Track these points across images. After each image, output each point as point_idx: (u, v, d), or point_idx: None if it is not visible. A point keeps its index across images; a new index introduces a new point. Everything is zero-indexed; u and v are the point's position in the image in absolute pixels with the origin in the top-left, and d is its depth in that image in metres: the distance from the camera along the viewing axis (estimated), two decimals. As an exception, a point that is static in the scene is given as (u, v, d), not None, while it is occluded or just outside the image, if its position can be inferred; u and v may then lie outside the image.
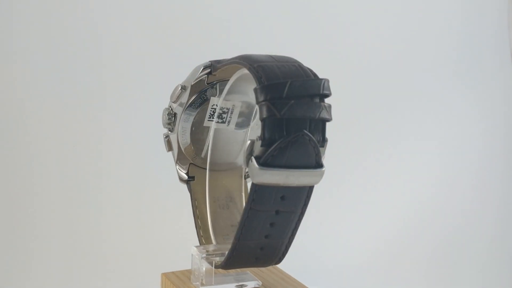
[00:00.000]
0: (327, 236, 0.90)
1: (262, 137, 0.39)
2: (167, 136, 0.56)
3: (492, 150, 0.99)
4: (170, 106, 0.54)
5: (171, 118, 0.54)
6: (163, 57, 0.89)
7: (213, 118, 0.52)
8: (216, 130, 0.53)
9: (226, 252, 0.46)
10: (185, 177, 0.55)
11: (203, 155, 0.54)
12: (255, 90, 0.40)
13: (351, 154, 0.92)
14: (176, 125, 0.54)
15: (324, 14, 0.93)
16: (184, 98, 0.52)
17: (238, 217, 0.52)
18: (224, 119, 0.52)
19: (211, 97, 0.52)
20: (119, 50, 0.88)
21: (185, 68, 0.55)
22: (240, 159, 0.54)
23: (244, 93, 0.51)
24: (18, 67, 0.88)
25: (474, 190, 0.98)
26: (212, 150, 0.53)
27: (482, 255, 0.99)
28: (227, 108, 0.52)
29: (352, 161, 0.93)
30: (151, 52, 0.89)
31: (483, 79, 0.99)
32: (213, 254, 0.50)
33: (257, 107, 0.40)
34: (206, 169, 0.54)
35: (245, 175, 0.55)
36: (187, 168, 0.56)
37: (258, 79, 0.40)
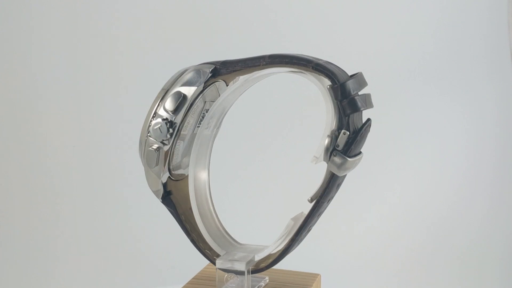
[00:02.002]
0: (326, 235, 0.89)
1: (349, 131, 0.45)
2: (158, 149, 0.48)
3: (486, 151, 0.97)
4: (167, 117, 0.47)
5: (172, 131, 0.47)
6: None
7: (200, 124, 0.50)
8: (198, 135, 0.50)
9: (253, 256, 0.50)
10: (163, 193, 0.50)
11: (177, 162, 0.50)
12: (334, 88, 0.44)
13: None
14: (176, 138, 0.48)
15: (313, 19, 0.93)
16: (186, 106, 0.48)
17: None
18: (209, 124, 0.50)
19: (210, 102, 0.50)
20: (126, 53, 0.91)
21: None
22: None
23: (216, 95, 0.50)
24: (27, 69, 0.90)
25: (468, 190, 0.97)
26: (195, 156, 0.50)
27: (477, 251, 0.96)
28: (211, 112, 0.50)
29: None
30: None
31: (483, 80, 0.95)
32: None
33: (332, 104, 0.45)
34: (179, 180, 0.51)
35: None
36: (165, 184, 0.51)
37: (331, 77, 0.44)
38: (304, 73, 0.46)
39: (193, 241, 0.51)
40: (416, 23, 0.94)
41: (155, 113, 0.47)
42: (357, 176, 0.87)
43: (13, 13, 0.89)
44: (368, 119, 0.47)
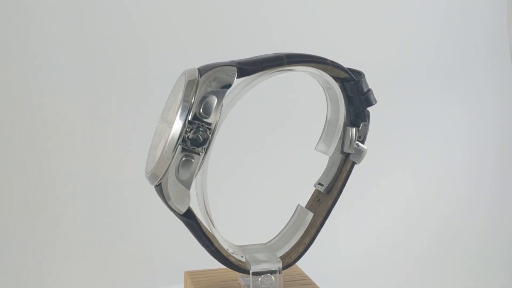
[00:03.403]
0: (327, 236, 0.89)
1: (368, 122, 0.51)
2: (194, 158, 0.44)
3: (489, 150, 1.00)
4: (204, 123, 0.44)
5: (208, 136, 0.44)
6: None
7: None
8: None
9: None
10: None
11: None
12: (359, 82, 0.49)
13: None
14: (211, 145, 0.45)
15: (316, 18, 0.94)
16: (219, 110, 0.45)
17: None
18: None
19: None
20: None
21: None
22: None
23: None
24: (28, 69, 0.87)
25: (470, 189, 0.99)
26: None
27: (480, 253, 1.00)
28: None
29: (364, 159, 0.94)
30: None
31: (482, 80, 1.00)
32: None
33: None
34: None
35: None
36: None
37: (349, 74, 0.49)
38: (318, 71, 0.49)
39: (217, 251, 0.49)
40: (417, 23, 0.96)
41: (189, 121, 0.44)
42: (358, 176, 0.90)
43: (13, 12, 0.87)
44: (367, 111, 0.52)
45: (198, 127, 0.44)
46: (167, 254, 0.90)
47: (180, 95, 0.46)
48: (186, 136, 0.44)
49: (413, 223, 0.97)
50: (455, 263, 0.98)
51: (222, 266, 0.51)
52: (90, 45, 0.89)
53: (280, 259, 0.50)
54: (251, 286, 0.49)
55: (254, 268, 0.49)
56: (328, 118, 0.53)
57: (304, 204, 0.55)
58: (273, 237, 0.54)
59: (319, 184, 0.53)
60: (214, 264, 0.55)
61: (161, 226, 0.88)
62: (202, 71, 0.46)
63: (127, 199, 0.90)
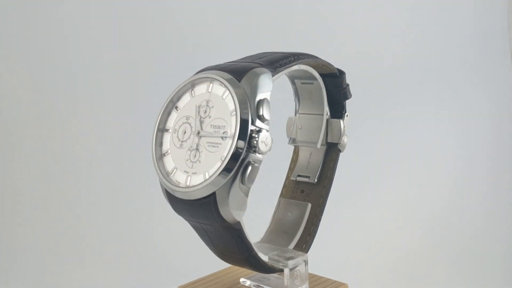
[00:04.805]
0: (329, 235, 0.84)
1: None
2: (255, 164, 0.44)
3: (482, 149, 1.01)
4: (259, 126, 0.43)
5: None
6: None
7: None
8: None
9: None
10: None
11: None
12: (342, 77, 0.53)
13: (360, 148, 0.90)
14: None
15: (333, 12, 0.93)
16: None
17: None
18: None
19: None
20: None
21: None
22: None
23: None
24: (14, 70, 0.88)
25: (466, 189, 1.00)
26: None
27: (491, 252, 1.00)
28: None
29: (359, 158, 0.91)
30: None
31: (482, 80, 1.00)
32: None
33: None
34: None
35: None
36: None
37: (337, 70, 0.53)
38: (310, 68, 0.51)
39: (256, 255, 0.47)
40: (417, 23, 0.94)
41: (257, 127, 0.42)
42: (357, 176, 0.90)
43: (14, 11, 0.88)
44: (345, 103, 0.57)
45: (258, 132, 0.43)
46: (167, 254, 0.91)
47: (227, 99, 0.44)
48: (253, 142, 0.43)
49: (410, 223, 0.98)
50: (455, 259, 0.99)
51: (214, 271, 0.53)
52: (90, 45, 0.89)
53: (304, 252, 0.51)
54: (287, 282, 0.50)
55: (291, 264, 0.49)
56: (305, 114, 0.56)
57: (275, 197, 0.57)
58: (263, 233, 0.55)
59: (301, 176, 0.56)
60: (199, 273, 0.53)
61: (162, 226, 0.89)
62: (235, 74, 0.45)
63: (128, 200, 0.91)
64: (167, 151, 0.47)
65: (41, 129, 0.90)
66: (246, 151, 0.42)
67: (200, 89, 0.46)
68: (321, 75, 0.53)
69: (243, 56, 0.51)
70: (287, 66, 0.48)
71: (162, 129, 0.48)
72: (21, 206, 0.91)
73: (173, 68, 0.87)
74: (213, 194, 0.43)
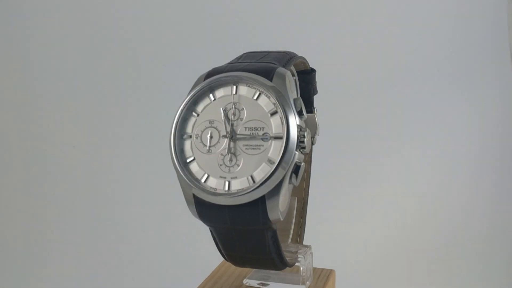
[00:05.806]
0: (327, 235, 0.86)
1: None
2: (301, 162, 0.43)
3: (488, 149, 0.96)
4: (301, 124, 0.43)
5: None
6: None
7: None
8: None
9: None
10: None
11: None
12: (314, 75, 0.54)
13: (350, 153, 0.90)
14: None
15: (322, 15, 0.92)
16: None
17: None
18: None
19: None
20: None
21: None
22: None
23: None
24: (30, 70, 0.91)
25: (472, 189, 0.95)
26: None
27: (481, 253, 0.96)
28: None
29: (350, 161, 0.90)
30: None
31: (482, 80, 0.95)
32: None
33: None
34: None
35: None
36: None
37: (309, 66, 0.54)
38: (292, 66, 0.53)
39: (283, 254, 0.46)
40: (416, 23, 0.90)
41: (297, 124, 0.42)
42: (359, 175, 0.90)
43: (15, 11, 0.90)
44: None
45: (303, 131, 0.43)
46: (168, 255, 0.91)
47: (261, 100, 0.44)
48: (301, 141, 0.43)
49: (414, 222, 0.95)
50: (459, 262, 0.97)
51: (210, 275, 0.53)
52: (90, 45, 0.91)
53: (307, 245, 0.52)
54: (303, 274, 0.50)
55: (304, 258, 0.51)
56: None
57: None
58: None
59: None
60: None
61: (162, 226, 0.90)
62: (263, 74, 0.45)
63: (127, 200, 0.91)
64: (191, 157, 0.45)
65: (41, 129, 0.93)
66: (296, 150, 0.43)
67: (222, 91, 0.45)
68: (297, 71, 0.55)
69: (233, 57, 0.50)
70: (287, 65, 0.49)
71: (181, 136, 0.45)
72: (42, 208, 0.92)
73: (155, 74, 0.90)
74: (263, 197, 0.42)
